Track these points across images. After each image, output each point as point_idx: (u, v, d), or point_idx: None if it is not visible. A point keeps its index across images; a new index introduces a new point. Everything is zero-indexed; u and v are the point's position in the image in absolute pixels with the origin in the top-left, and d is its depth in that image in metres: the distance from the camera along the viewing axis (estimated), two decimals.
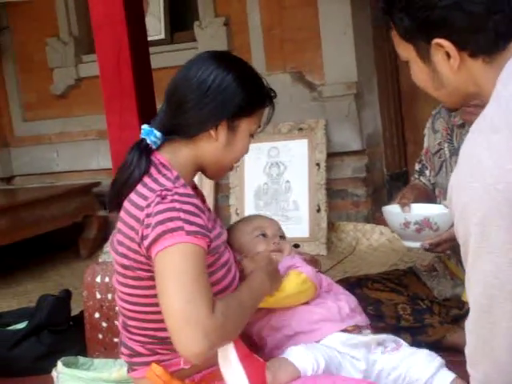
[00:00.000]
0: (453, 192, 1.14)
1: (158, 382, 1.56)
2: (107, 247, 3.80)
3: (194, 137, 1.61)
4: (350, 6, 4.17)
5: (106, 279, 2.45)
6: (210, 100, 1.57)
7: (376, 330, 2.28)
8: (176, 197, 1.49)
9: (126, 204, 1.57)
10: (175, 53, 4.47)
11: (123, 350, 1.65)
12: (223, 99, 1.58)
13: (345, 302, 1.80)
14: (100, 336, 2.49)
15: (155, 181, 1.55)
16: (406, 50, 1.26)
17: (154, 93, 2.49)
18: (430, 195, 2.40)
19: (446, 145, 2.40)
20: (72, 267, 4.38)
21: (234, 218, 4.35)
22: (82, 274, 2.51)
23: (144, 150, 1.60)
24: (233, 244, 1.83)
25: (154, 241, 1.46)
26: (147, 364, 1.59)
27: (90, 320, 2.50)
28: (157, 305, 1.50)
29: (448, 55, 1.20)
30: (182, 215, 1.47)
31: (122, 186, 1.59)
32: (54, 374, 2.23)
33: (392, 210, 2.15)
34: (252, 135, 1.67)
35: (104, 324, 2.47)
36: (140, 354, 1.61)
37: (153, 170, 1.58)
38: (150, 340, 1.58)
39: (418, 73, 1.27)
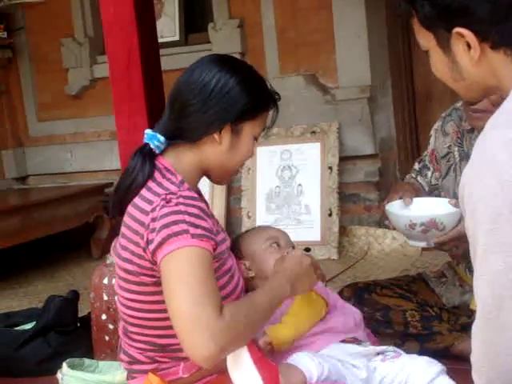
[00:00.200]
0: (465, 189, 1.10)
1: None
2: None
3: (197, 141, 1.60)
4: (364, 8, 4.15)
5: (114, 281, 2.44)
6: (213, 104, 1.56)
7: (384, 336, 2.27)
8: (181, 200, 1.48)
9: (129, 209, 1.56)
10: (189, 54, 4.46)
11: (123, 356, 1.64)
12: (226, 103, 1.56)
13: (351, 315, 1.79)
14: (106, 338, 2.49)
15: (159, 185, 1.54)
16: (426, 39, 1.23)
17: (163, 95, 2.48)
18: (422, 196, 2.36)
19: (456, 148, 2.37)
20: (83, 267, 4.38)
21: (245, 221, 4.34)
22: None
23: (147, 155, 1.59)
24: (244, 251, 1.83)
25: (160, 245, 1.45)
26: (146, 372, 1.58)
27: (97, 322, 2.50)
28: (159, 311, 1.49)
29: (468, 46, 1.16)
30: (187, 218, 1.46)
31: (126, 191, 1.59)
32: (58, 375, 2.23)
33: (397, 212, 2.08)
34: (256, 138, 1.65)
35: (110, 326, 2.46)
36: (139, 362, 1.60)
37: (157, 175, 1.57)
38: (151, 347, 1.57)
39: (437, 63, 1.24)
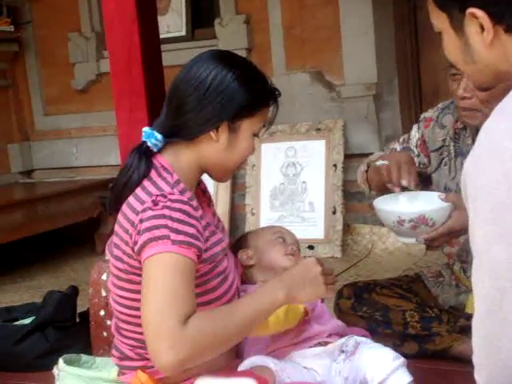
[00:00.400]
0: (467, 177, 1.07)
1: None
2: None
3: (194, 139, 1.57)
4: (371, 5, 4.12)
5: None
6: (209, 101, 1.54)
7: (382, 336, 2.25)
8: (168, 203, 1.46)
9: (123, 207, 1.55)
10: (195, 50, 4.43)
11: (114, 352, 1.64)
12: (222, 100, 1.54)
13: (327, 328, 1.77)
14: (104, 334, 2.48)
15: (154, 184, 1.53)
16: (439, 19, 1.20)
17: (164, 91, 2.46)
18: None
19: (452, 144, 2.31)
20: (87, 263, 4.37)
21: (249, 218, 4.33)
22: None
23: (144, 153, 1.57)
24: (249, 241, 1.84)
25: (141, 248, 1.45)
26: (135, 369, 1.57)
27: (95, 317, 2.49)
28: None
29: (482, 28, 1.13)
30: (169, 223, 1.44)
31: (122, 188, 1.57)
32: (55, 371, 2.21)
33: (385, 208, 1.98)
34: (256, 135, 1.62)
35: (108, 322, 2.45)
36: (129, 358, 1.60)
37: (153, 174, 1.55)
38: (140, 344, 1.56)
39: (450, 45, 1.21)
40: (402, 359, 1.68)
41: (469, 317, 2.24)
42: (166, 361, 1.36)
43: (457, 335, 2.28)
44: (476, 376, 1.09)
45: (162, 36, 3.73)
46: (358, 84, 4.18)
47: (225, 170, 1.64)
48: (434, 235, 1.93)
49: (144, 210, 1.47)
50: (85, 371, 2.17)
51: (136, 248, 1.47)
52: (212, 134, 1.56)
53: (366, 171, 2.27)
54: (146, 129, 1.61)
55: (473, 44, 1.16)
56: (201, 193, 1.71)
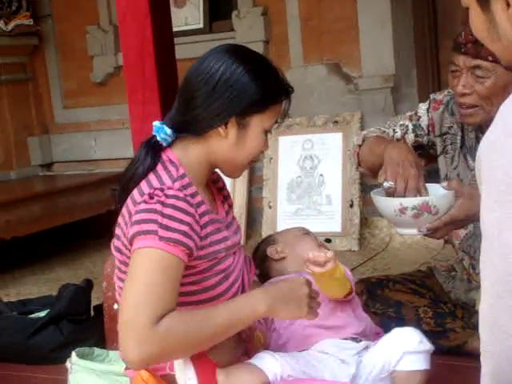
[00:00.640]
0: (481, 157, 1.04)
1: None
2: None
3: (203, 134, 1.56)
4: None
5: None
6: (217, 96, 1.52)
7: None
8: (162, 198, 1.45)
9: (127, 200, 1.55)
10: (213, 42, 4.43)
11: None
12: (231, 95, 1.51)
13: (363, 323, 1.78)
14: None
15: (158, 177, 1.52)
16: None
17: (177, 84, 2.45)
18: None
19: (459, 132, 2.27)
20: (105, 255, 4.35)
21: (266, 211, 4.32)
22: None
23: (152, 147, 1.57)
24: (277, 239, 1.93)
25: (131, 239, 1.45)
26: None
27: (109, 311, 2.50)
28: None
29: (508, 4, 1.11)
30: (159, 219, 1.43)
31: (128, 181, 1.57)
32: (67, 364, 2.24)
33: (385, 196, 1.88)
34: (268, 132, 1.59)
35: None
36: None
37: (159, 167, 1.54)
38: None
39: (476, 21, 1.18)
40: (428, 346, 1.68)
41: None
42: (132, 356, 1.38)
43: (471, 331, 2.26)
44: (482, 363, 1.06)
45: (179, 29, 3.71)
46: (376, 76, 4.15)
47: (235, 166, 1.62)
48: (438, 224, 1.83)
49: (139, 203, 1.47)
50: (97, 365, 2.19)
51: (127, 240, 1.48)
52: (221, 129, 1.54)
53: (360, 145, 2.23)
54: (156, 123, 1.60)
55: (498, 21, 1.13)
56: (216, 190, 1.70)
